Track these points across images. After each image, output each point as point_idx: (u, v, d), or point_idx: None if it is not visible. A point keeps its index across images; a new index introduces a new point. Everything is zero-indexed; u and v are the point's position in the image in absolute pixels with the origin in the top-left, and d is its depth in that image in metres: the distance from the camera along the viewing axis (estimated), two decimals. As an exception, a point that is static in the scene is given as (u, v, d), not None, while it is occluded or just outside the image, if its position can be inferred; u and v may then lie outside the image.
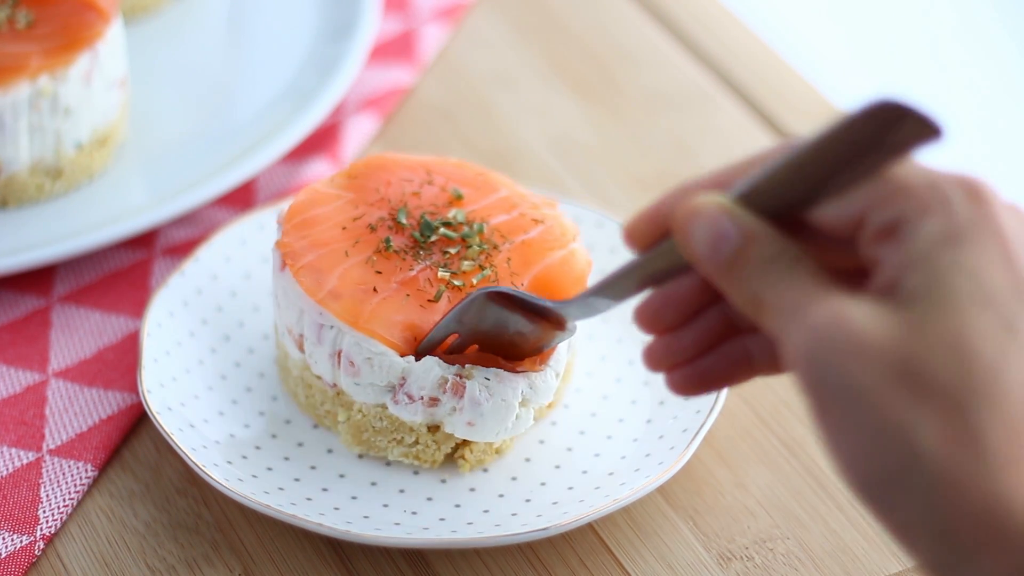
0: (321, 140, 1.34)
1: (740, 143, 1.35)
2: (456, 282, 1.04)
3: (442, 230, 1.07)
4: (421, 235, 1.07)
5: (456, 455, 1.06)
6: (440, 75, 1.42)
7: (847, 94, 1.47)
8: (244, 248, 1.19)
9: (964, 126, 2.00)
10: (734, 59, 1.43)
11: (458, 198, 1.10)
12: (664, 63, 1.43)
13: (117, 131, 1.29)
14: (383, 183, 1.11)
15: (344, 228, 1.08)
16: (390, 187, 1.11)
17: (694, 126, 1.37)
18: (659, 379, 1.11)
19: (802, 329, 0.74)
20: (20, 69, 1.20)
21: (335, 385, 1.05)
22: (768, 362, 0.85)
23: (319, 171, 1.30)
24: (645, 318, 0.87)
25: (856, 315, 0.72)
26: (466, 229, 1.08)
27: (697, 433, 1.05)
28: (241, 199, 1.29)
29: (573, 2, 1.50)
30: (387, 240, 1.07)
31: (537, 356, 1.03)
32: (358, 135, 1.34)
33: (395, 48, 1.43)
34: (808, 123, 1.37)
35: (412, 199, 1.10)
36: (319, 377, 1.06)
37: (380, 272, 1.05)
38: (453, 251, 1.06)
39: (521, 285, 1.05)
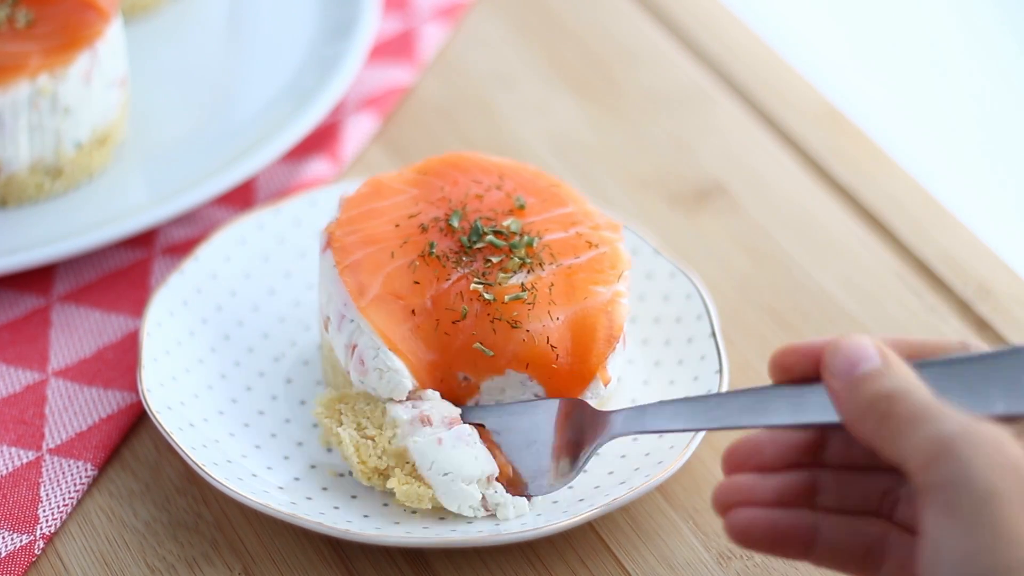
0: (321, 139, 1.33)
1: (740, 143, 1.35)
2: (487, 295, 1.04)
3: (490, 237, 1.06)
4: (468, 240, 1.06)
5: (390, 484, 1.03)
6: (440, 75, 1.42)
7: (847, 94, 1.47)
8: (244, 247, 1.19)
9: (964, 126, 2.00)
10: (734, 59, 1.43)
11: (520, 208, 1.09)
12: (664, 63, 1.43)
13: (117, 130, 1.29)
14: (450, 182, 1.11)
15: (397, 225, 1.08)
16: (456, 187, 1.10)
17: (694, 126, 1.37)
18: (657, 378, 1.11)
19: (947, 425, 0.79)
20: (20, 68, 1.20)
21: (348, 372, 1.06)
22: (829, 551, 0.89)
23: (319, 170, 1.30)
24: (741, 453, 0.91)
25: (998, 431, 0.80)
26: (515, 240, 1.07)
27: (697, 432, 1.05)
28: (240, 198, 1.29)
29: (573, 2, 1.50)
30: (431, 244, 1.06)
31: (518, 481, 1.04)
32: (358, 134, 1.34)
33: (395, 47, 1.43)
34: (808, 123, 1.36)
35: (473, 202, 1.09)
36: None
37: (418, 282, 1.05)
38: (495, 260, 1.05)
39: (556, 319, 1.04)
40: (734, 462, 0.91)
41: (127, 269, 1.23)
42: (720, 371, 1.09)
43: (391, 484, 1.01)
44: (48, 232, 1.22)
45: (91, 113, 1.25)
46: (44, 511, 1.06)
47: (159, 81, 1.36)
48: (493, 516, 1.02)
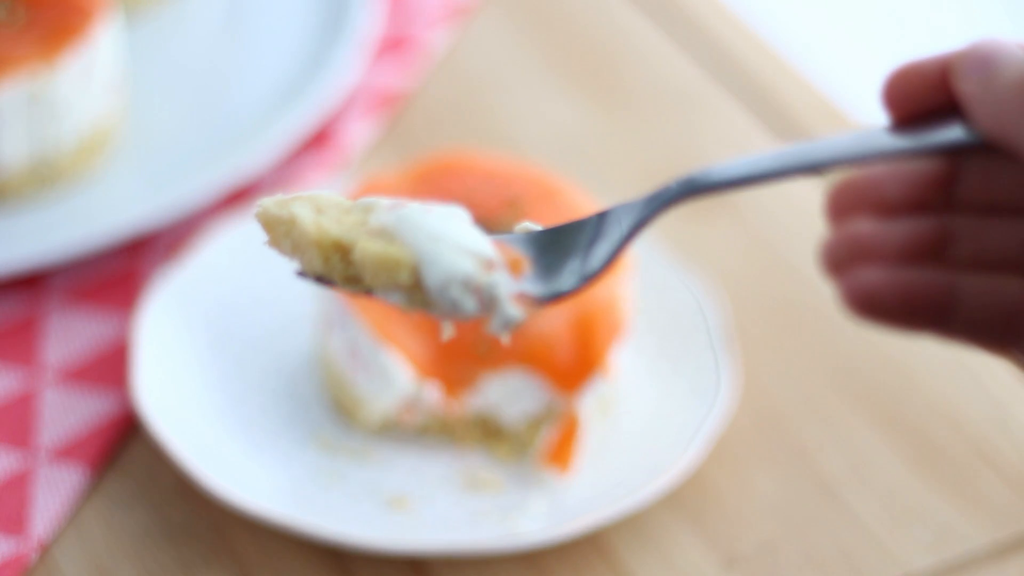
0: (322, 141, 1.34)
1: (740, 142, 1.36)
2: None
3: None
4: None
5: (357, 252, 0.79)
6: (441, 75, 1.43)
7: (848, 93, 1.47)
8: (241, 249, 1.18)
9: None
10: (736, 59, 1.44)
11: (518, 207, 1.10)
12: (665, 63, 1.44)
13: (113, 131, 1.29)
14: (447, 183, 1.11)
15: None
16: (453, 188, 1.11)
17: (696, 126, 1.37)
18: (661, 382, 1.12)
19: None
20: (14, 69, 1.20)
21: (355, 380, 1.06)
22: (967, 318, 0.71)
23: (318, 172, 1.31)
24: (853, 191, 0.73)
25: None
26: None
27: (701, 437, 1.06)
28: (239, 200, 1.29)
29: (574, 2, 1.51)
30: None
31: None
32: (358, 135, 1.35)
33: (396, 48, 1.44)
34: (810, 122, 1.37)
35: (471, 203, 1.09)
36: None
37: None
38: None
39: (557, 313, 1.05)
40: (845, 201, 0.73)
41: (123, 271, 1.22)
42: (720, 371, 1.09)
43: (359, 251, 0.76)
44: (43, 234, 1.21)
45: (87, 114, 1.25)
46: (38, 517, 1.05)
47: (156, 82, 1.37)
48: (483, 311, 0.77)
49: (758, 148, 1.36)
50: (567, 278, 0.77)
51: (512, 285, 0.76)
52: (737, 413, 1.12)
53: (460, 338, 1.05)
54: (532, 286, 0.77)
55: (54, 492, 1.07)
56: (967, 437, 1.11)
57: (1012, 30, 2.10)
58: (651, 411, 1.10)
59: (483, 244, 0.76)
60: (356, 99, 1.38)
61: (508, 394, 1.06)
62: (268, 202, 0.79)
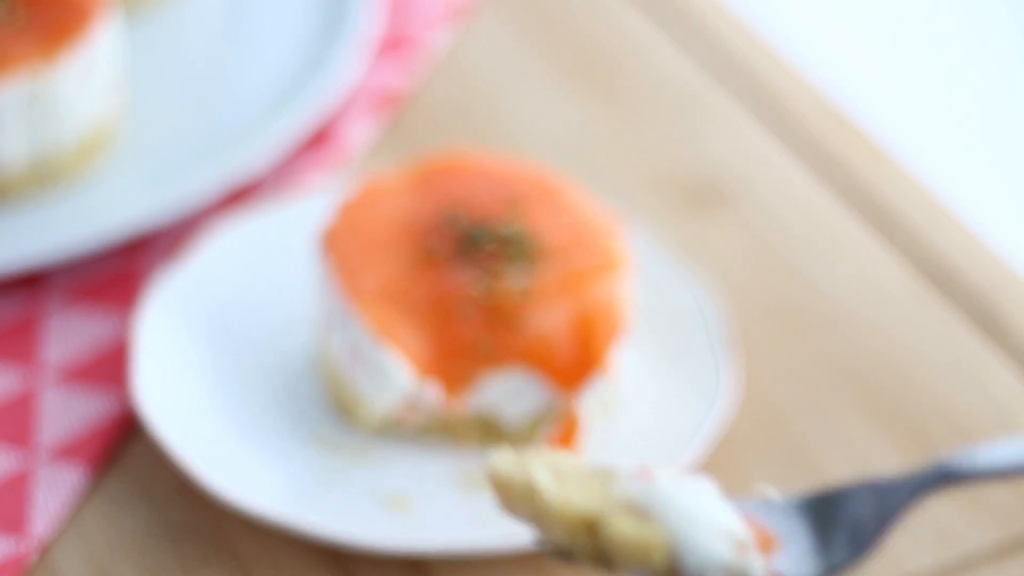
0: (322, 141, 1.34)
1: (742, 144, 1.35)
2: (487, 292, 1.04)
3: (489, 237, 1.06)
4: (467, 240, 1.07)
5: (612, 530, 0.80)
6: (442, 75, 1.43)
7: (849, 95, 1.47)
8: (242, 249, 1.18)
9: (967, 126, 1.99)
10: (736, 59, 1.44)
11: (519, 208, 1.09)
12: (666, 63, 1.44)
13: (113, 131, 1.29)
14: (447, 183, 1.11)
15: (394, 228, 1.08)
16: (453, 188, 1.11)
17: (697, 127, 1.37)
18: (661, 381, 1.11)
19: None
20: (14, 68, 1.20)
21: (356, 382, 1.06)
22: None
23: (319, 172, 1.30)
24: None
25: None
26: (514, 239, 1.07)
27: (700, 437, 1.05)
28: (240, 200, 1.28)
29: (575, 3, 1.50)
30: (430, 245, 1.07)
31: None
32: (359, 136, 1.34)
33: (397, 48, 1.44)
34: (810, 123, 1.36)
35: (471, 203, 1.09)
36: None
37: (416, 280, 1.05)
38: (495, 259, 1.06)
39: (558, 313, 1.04)
40: None
41: (123, 271, 1.22)
42: (720, 371, 1.09)
43: (612, 531, 0.74)
44: (43, 233, 1.21)
45: (87, 114, 1.25)
46: (39, 517, 1.05)
47: (156, 81, 1.36)
48: None
49: (758, 149, 1.35)
50: (827, 562, 0.76)
51: (765, 567, 0.75)
52: (737, 413, 1.12)
53: (460, 337, 1.05)
54: (783, 563, 0.76)
55: (54, 492, 1.07)
56: (967, 437, 1.10)
57: (1015, 31, 2.10)
58: (651, 411, 1.10)
59: (735, 522, 0.75)
60: (357, 99, 1.38)
61: (508, 393, 1.06)
62: (501, 463, 0.76)
